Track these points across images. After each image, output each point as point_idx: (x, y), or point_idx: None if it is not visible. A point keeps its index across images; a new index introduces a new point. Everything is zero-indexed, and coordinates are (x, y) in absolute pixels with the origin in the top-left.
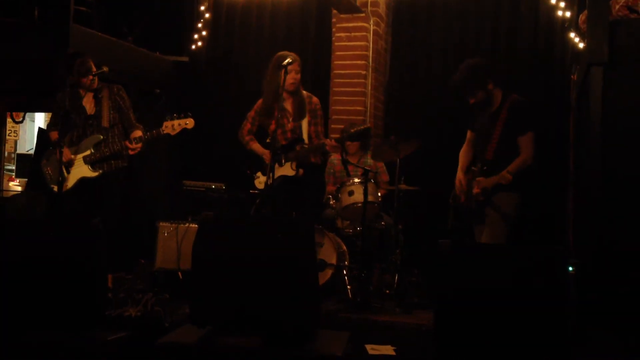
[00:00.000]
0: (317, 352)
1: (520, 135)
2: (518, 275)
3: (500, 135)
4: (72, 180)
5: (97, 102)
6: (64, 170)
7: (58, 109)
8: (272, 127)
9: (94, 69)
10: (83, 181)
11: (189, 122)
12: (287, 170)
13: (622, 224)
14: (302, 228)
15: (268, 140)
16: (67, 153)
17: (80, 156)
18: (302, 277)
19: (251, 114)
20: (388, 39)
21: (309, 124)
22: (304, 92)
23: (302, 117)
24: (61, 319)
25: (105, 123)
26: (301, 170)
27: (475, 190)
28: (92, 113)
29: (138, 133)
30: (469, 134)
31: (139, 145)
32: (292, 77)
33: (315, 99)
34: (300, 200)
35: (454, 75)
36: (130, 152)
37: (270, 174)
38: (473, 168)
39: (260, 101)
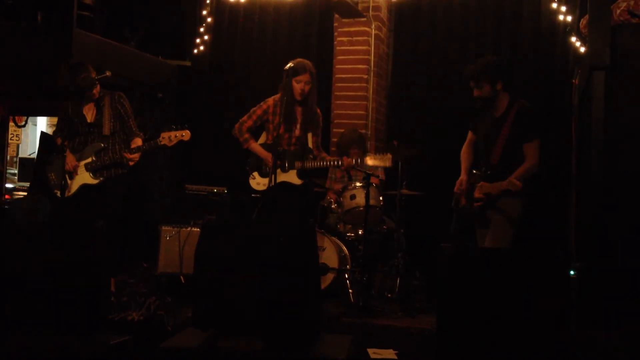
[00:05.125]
0: (319, 356)
1: (526, 142)
2: (520, 279)
3: (506, 140)
4: (74, 186)
5: (98, 110)
6: (67, 177)
7: (63, 115)
8: (281, 131)
9: (94, 75)
10: (85, 188)
11: (185, 134)
12: (291, 177)
13: (624, 228)
14: (304, 232)
15: (268, 142)
16: (71, 160)
17: (82, 163)
18: (304, 281)
19: (257, 112)
20: (390, 43)
21: (313, 134)
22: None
23: (309, 127)
24: (64, 322)
25: (106, 131)
26: (306, 180)
27: (477, 194)
28: (93, 121)
29: (138, 142)
30: (470, 134)
31: (137, 155)
32: (300, 87)
33: (318, 111)
34: (303, 208)
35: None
36: (130, 163)
37: (272, 177)
38: (476, 172)
39: (270, 102)
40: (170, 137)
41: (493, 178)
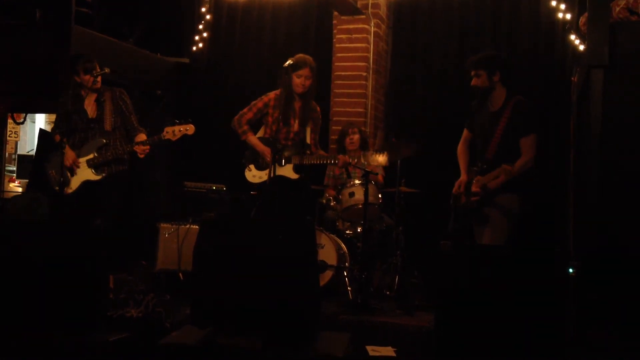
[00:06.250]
0: (317, 353)
1: (522, 137)
2: (518, 277)
3: (502, 135)
4: (75, 183)
5: (99, 105)
6: (68, 173)
7: (61, 111)
8: (278, 125)
9: (98, 68)
10: (86, 184)
11: (190, 129)
12: (288, 172)
13: (621, 226)
14: (302, 229)
15: (266, 136)
16: (70, 155)
17: (83, 160)
18: (302, 278)
19: (258, 105)
20: (389, 40)
21: (311, 130)
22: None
23: (307, 123)
24: (63, 319)
25: (107, 127)
26: (302, 175)
27: (474, 189)
28: (94, 117)
29: (142, 137)
30: (465, 132)
31: (147, 147)
32: (301, 82)
33: (318, 108)
34: (299, 203)
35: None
36: (140, 156)
37: (271, 172)
38: (473, 168)
39: (272, 95)
40: (174, 131)
41: (488, 172)
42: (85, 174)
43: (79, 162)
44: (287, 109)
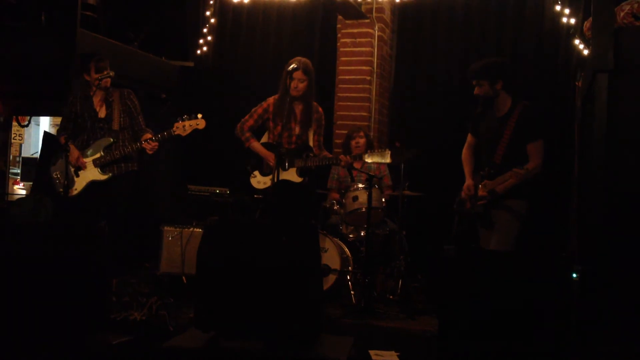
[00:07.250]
0: (320, 357)
1: (530, 142)
2: (522, 282)
3: (509, 140)
4: (81, 183)
5: (108, 105)
6: (73, 174)
7: (69, 113)
8: (279, 129)
9: (108, 70)
10: (92, 184)
11: (200, 123)
12: (291, 175)
13: (626, 231)
14: (306, 233)
15: (270, 142)
16: (75, 153)
17: (89, 159)
18: (306, 282)
19: (258, 111)
20: (393, 44)
21: (314, 132)
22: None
23: (309, 125)
24: (66, 322)
25: (115, 126)
26: (306, 178)
27: (482, 193)
28: (103, 116)
29: (148, 136)
30: (469, 138)
31: (156, 144)
32: (294, 85)
33: (320, 109)
34: (304, 206)
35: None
36: (149, 152)
37: (274, 176)
38: (480, 173)
39: (271, 100)
40: (185, 126)
41: (496, 177)
42: (91, 174)
43: (85, 162)
44: (286, 113)
